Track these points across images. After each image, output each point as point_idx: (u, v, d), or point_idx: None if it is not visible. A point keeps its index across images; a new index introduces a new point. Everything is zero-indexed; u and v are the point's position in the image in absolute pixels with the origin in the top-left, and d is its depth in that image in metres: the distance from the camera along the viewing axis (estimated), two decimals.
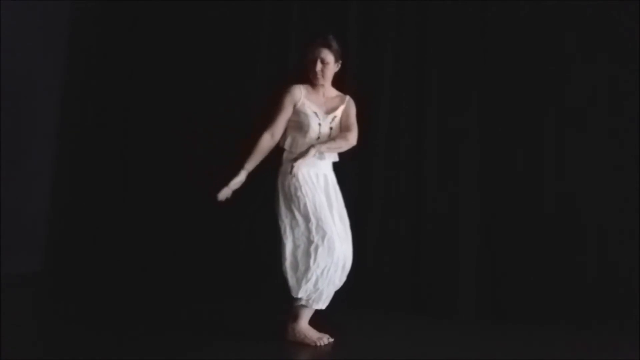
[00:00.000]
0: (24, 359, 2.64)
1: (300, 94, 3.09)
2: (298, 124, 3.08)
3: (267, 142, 3.07)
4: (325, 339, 2.98)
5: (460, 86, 3.98)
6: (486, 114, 3.94)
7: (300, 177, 2.99)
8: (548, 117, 3.84)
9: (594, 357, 3.05)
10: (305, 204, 2.96)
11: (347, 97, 3.23)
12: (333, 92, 3.22)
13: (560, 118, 3.82)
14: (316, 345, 2.94)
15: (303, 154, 2.99)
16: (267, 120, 3.09)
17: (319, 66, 3.08)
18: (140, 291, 4.15)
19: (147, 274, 4.46)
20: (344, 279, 3.04)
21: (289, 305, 3.00)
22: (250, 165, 3.07)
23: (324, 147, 3.04)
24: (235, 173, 3.10)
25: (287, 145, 3.11)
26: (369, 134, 3.34)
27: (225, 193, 3.05)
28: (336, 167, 3.19)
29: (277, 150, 3.17)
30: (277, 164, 3.13)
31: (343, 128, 3.17)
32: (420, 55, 4.08)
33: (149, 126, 4.75)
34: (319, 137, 3.08)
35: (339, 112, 3.17)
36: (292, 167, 2.95)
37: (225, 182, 3.06)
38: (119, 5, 4.85)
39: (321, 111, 3.11)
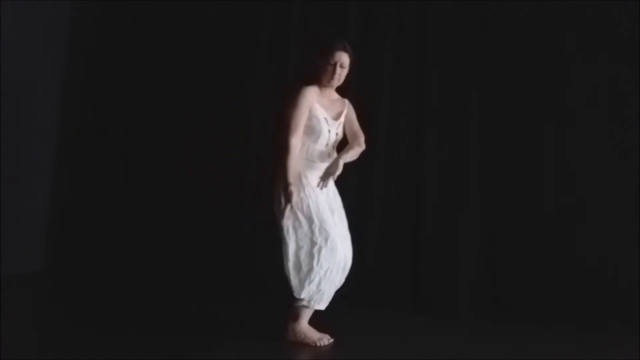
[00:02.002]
0: (24, 359, 2.65)
1: (312, 97, 3.04)
2: (309, 129, 3.03)
3: (297, 148, 2.98)
4: (325, 340, 2.98)
5: (460, 86, 3.98)
6: (486, 114, 3.94)
7: (303, 179, 2.99)
8: (548, 117, 3.84)
9: (594, 357, 3.05)
10: (308, 205, 2.95)
11: (347, 101, 3.23)
12: (334, 95, 3.20)
13: (560, 118, 3.82)
14: (316, 346, 2.94)
15: (333, 168, 2.96)
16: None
17: (339, 70, 3.06)
18: (141, 291, 4.14)
19: (147, 274, 4.46)
20: (343, 279, 3.04)
21: (289, 306, 3.00)
22: (293, 177, 2.94)
23: (347, 157, 3.06)
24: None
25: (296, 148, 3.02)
26: (369, 134, 3.34)
27: (288, 214, 2.94)
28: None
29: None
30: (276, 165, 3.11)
31: (350, 133, 3.19)
32: (420, 55, 4.07)
33: (149, 126, 4.75)
34: (327, 144, 3.08)
35: (342, 118, 3.17)
36: (323, 182, 2.95)
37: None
38: (119, 5, 4.85)
39: (329, 116, 3.10)
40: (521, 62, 3.90)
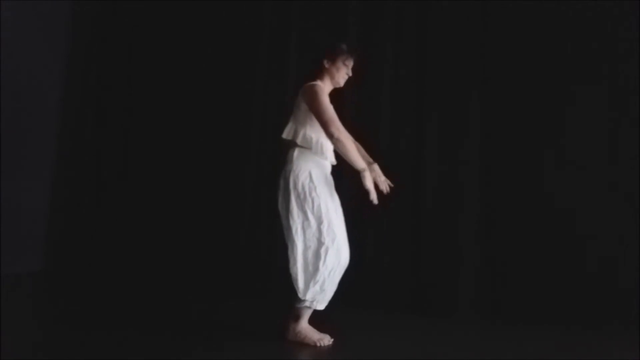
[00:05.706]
0: (24, 359, 2.65)
1: (326, 93, 3.04)
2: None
3: (346, 133, 2.97)
4: (325, 340, 2.97)
5: (460, 86, 3.98)
6: (486, 114, 3.94)
7: (314, 178, 2.96)
8: (548, 116, 3.84)
9: (594, 357, 3.05)
10: (319, 205, 2.93)
11: None
12: None
13: (561, 116, 3.82)
14: (316, 346, 2.94)
15: (375, 172, 3.07)
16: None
17: (350, 73, 3.09)
18: (141, 291, 4.14)
19: (147, 273, 4.46)
20: (339, 278, 3.04)
21: (290, 305, 2.99)
22: (362, 161, 2.97)
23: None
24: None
25: (310, 145, 2.98)
26: (369, 134, 3.34)
27: (374, 195, 2.96)
28: (337, 166, 3.18)
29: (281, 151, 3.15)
30: (280, 162, 3.09)
31: None
32: (420, 56, 4.08)
33: (149, 126, 4.76)
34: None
35: None
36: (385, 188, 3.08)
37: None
38: (119, 5, 4.86)
39: None
40: (521, 61, 3.90)
